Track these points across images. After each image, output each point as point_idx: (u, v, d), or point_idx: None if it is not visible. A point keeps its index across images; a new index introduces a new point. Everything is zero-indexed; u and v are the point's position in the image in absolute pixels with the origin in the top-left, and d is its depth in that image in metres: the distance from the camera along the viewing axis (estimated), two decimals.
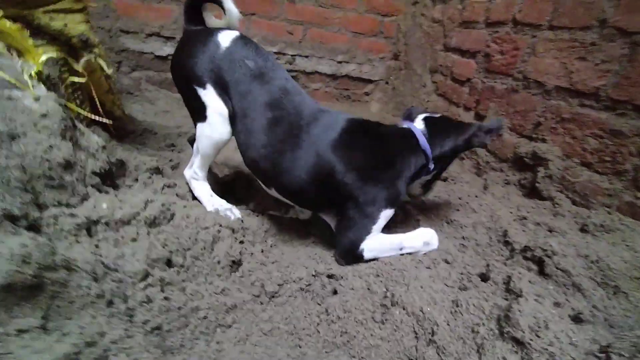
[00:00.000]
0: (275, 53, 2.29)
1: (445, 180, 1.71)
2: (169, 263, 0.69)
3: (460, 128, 1.04)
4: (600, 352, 0.54)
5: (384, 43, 2.53)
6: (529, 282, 0.71)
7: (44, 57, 0.77)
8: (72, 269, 0.51)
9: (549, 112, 1.35)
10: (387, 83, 2.67)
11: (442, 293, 0.73)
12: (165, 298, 0.63)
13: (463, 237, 1.21)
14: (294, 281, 0.88)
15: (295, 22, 2.24)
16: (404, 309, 0.67)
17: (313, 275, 0.87)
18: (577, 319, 0.67)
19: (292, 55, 2.34)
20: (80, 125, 0.73)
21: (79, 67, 0.97)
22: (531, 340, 0.55)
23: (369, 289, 0.78)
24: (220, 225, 0.87)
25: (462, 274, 0.88)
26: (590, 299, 0.77)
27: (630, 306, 0.78)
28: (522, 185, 1.45)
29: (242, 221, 1.01)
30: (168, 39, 2.03)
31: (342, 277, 0.83)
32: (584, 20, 1.22)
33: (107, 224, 0.63)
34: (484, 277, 0.85)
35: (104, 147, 0.76)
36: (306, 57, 2.38)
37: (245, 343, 0.66)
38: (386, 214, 0.97)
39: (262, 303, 0.80)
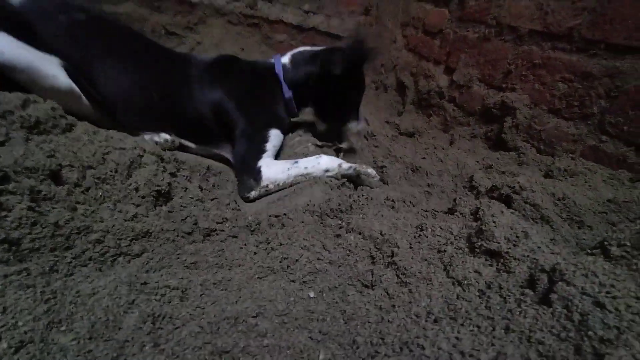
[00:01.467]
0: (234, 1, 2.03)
1: (411, 135, 1.63)
2: (56, 179, 0.52)
3: (322, 55, 1.15)
4: (594, 248, 0.47)
5: None
6: (501, 211, 0.63)
7: None
8: None
9: (520, 58, 1.29)
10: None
11: (404, 220, 0.63)
12: (32, 209, 0.46)
13: (428, 185, 1.13)
14: (236, 219, 0.74)
15: None
16: (359, 234, 0.57)
17: (259, 213, 0.73)
18: (553, 241, 0.60)
19: None
20: None
21: None
22: (509, 249, 0.47)
23: (322, 222, 0.66)
24: (144, 151, 0.69)
25: (426, 211, 0.79)
26: (559, 231, 0.71)
27: (595, 239, 0.74)
28: (488, 138, 1.41)
29: (177, 146, 0.90)
30: None
31: (291, 212, 0.70)
32: None
33: None
34: (451, 212, 0.77)
35: None
36: (269, 1, 2.14)
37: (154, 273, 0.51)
38: (274, 134, 1.07)
39: (194, 241, 0.66)
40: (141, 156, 0.68)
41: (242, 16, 2.13)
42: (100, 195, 0.56)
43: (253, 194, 0.95)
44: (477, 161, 1.23)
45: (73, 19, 0.86)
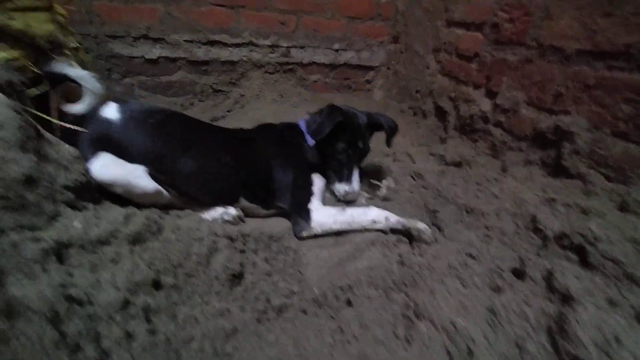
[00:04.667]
0: (269, 46, 2.19)
1: (459, 165, 1.59)
2: (157, 285, 0.61)
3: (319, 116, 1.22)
4: None
5: (381, 26, 2.40)
6: (575, 277, 0.60)
7: None
8: (16, 313, 0.42)
9: (570, 80, 1.22)
10: (388, 68, 2.54)
11: (473, 298, 0.63)
12: (151, 331, 0.54)
13: (486, 227, 1.10)
14: (303, 291, 0.78)
15: (287, 12, 2.13)
16: (430, 321, 0.58)
17: (324, 284, 0.77)
18: None
19: (286, 47, 2.23)
20: (48, 135, 0.65)
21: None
22: None
23: (387, 297, 0.68)
24: (216, 235, 0.78)
25: (491, 269, 0.78)
26: None
27: None
28: (545, 164, 1.32)
29: (242, 220, 0.99)
30: (156, 40, 1.94)
31: (356, 286, 0.73)
32: None
33: (82, 246, 0.55)
34: (519, 273, 0.74)
35: (78, 157, 0.68)
36: (301, 47, 2.26)
37: None
38: (316, 177, 1.21)
39: (268, 320, 0.71)
40: (216, 242, 0.76)
41: (278, 64, 2.27)
42: (191, 291, 0.64)
43: (304, 234, 1.05)
44: (537, 194, 1.16)
45: (152, 123, 1.00)
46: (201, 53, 2.05)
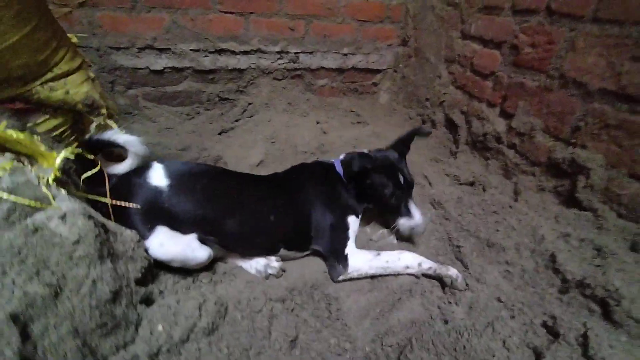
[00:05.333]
0: (277, 53, 2.12)
1: (472, 185, 1.65)
2: None
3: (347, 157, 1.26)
4: None
5: (390, 28, 2.34)
6: (609, 346, 0.67)
7: (59, 160, 0.67)
8: None
9: (590, 116, 1.25)
10: (395, 71, 2.51)
11: None
12: None
13: (507, 262, 1.17)
14: (354, 349, 0.84)
15: (297, 17, 2.04)
16: None
17: (373, 341, 0.83)
18: None
19: (295, 53, 2.16)
20: (110, 225, 0.65)
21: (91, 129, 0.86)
22: None
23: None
24: (271, 300, 0.82)
25: (524, 324, 0.85)
26: None
27: None
28: (559, 193, 1.39)
29: (283, 271, 1.03)
30: (162, 50, 1.85)
31: (407, 347, 0.79)
32: (637, 13, 1.09)
33: (168, 350, 0.58)
34: (552, 331, 0.82)
35: (138, 241, 0.69)
36: (310, 53, 2.20)
37: None
38: (351, 220, 1.21)
39: None
40: (272, 309, 0.80)
41: (286, 70, 2.22)
42: None
43: (341, 278, 1.10)
44: (554, 228, 1.23)
45: (199, 188, 0.99)
46: (208, 62, 1.97)
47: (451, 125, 2.01)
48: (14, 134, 0.59)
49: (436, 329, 0.84)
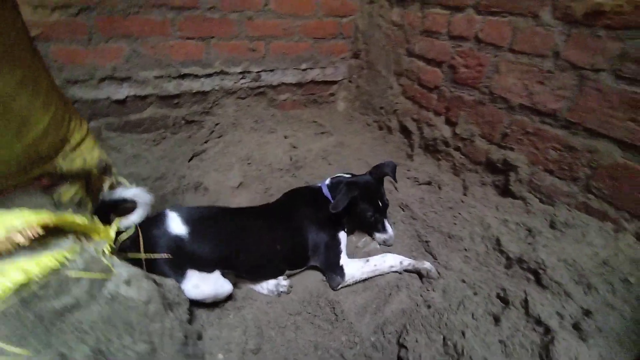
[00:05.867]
0: (240, 73, 2.19)
1: (429, 184, 1.93)
2: None
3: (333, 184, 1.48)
4: None
5: (343, 43, 2.54)
6: (541, 304, 0.96)
7: (112, 233, 0.72)
8: None
9: (514, 125, 1.58)
10: (350, 82, 2.72)
11: (488, 333, 0.94)
12: None
13: (465, 249, 1.45)
14: (362, 342, 1.03)
15: (256, 38, 2.13)
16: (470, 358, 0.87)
17: (375, 332, 1.03)
18: (578, 329, 0.94)
19: (257, 72, 2.25)
20: (160, 280, 0.73)
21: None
22: None
23: (429, 338, 0.97)
24: (291, 315, 0.96)
25: (484, 298, 1.11)
26: (577, 302, 1.04)
27: (600, 299, 1.09)
28: (497, 186, 1.72)
29: (291, 287, 1.17)
30: (123, 80, 1.81)
31: (404, 331, 1.00)
32: (540, 49, 1.41)
33: None
34: (504, 300, 1.09)
35: (179, 287, 0.78)
36: (271, 71, 2.31)
37: None
38: (341, 235, 1.41)
39: None
40: (295, 322, 0.95)
41: (249, 89, 2.30)
42: None
43: (340, 286, 1.29)
44: (496, 216, 1.54)
45: (213, 231, 1.10)
46: (172, 87, 1.98)
47: (405, 131, 2.28)
48: (70, 217, 0.64)
49: (423, 314, 1.06)
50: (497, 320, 1.02)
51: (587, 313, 1.00)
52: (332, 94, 2.75)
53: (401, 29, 2.16)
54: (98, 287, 0.59)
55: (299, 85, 2.51)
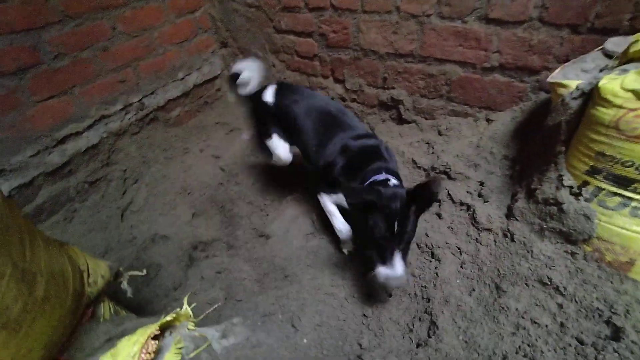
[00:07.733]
0: (122, 110, 1.99)
1: None
2: None
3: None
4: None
5: (207, 37, 2.46)
6: (457, 192, 1.45)
7: (189, 311, 0.76)
8: None
9: (389, 69, 1.98)
10: (229, 71, 2.71)
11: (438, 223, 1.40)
12: None
13: (404, 176, 1.89)
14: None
15: (122, 68, 1.91)
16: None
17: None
18: (481, 196, 1.47)
19: (139, 101, 2.06)
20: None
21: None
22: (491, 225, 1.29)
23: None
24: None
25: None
26: (473, 179, 1.58)
27: (484, 171, 1.66)
28: (393, 119, 2.17)
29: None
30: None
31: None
32: (385, 7, 1.75)
33: None
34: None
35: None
36: (152, 93, 2.14)
37: None
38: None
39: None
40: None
41: (139, 121, 2.12)
42: None
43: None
44: (404, 142, 2.01)
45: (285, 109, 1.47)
46: (57, 157, 1.71)
47: None
48: (163, 317, 0.69)
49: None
50: (439, 216, 1.48)
51: (481, 183, 1.54)
52: (218, 90, 2.71)
53: (260, 9, 2.23)
54: (211, 353, 0.72)
55: (185, 95, 2.40)
